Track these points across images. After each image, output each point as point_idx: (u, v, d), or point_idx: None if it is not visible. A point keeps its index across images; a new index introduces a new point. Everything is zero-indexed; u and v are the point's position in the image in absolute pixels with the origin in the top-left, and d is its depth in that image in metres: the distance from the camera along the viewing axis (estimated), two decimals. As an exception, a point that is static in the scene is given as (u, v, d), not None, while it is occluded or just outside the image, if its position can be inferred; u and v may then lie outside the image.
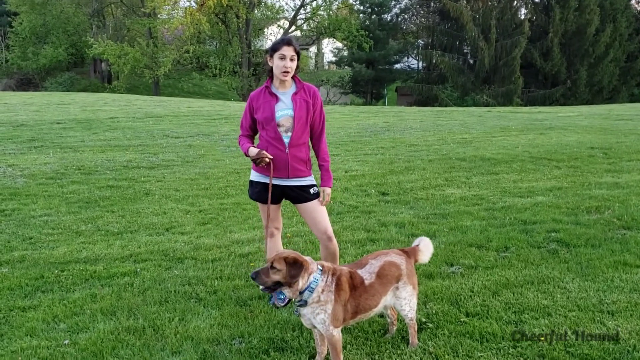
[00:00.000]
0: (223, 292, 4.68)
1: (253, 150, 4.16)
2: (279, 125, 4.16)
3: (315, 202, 4.32)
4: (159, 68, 39.38)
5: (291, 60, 4.10)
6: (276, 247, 4.49)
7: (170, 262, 5.44)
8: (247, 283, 4.88)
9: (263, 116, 4.18)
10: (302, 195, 4.29)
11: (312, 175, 4.39)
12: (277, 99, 4.18)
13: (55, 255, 5.60)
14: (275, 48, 4.12)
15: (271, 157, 4.13)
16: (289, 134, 4.18)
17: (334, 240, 4.35)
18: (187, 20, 37.35)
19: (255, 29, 44.10)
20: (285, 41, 4.13)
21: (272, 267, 3.29)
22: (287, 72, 4.10)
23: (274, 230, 4.50)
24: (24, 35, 43.07)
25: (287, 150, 4.19)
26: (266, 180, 4.25)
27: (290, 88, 4.24)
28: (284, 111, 4.17)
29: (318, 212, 4.32)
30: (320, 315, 3.35)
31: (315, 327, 3.44)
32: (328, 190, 4.32)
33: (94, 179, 9.10)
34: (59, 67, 45.05)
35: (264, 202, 4.29)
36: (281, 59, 4.08)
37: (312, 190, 4.31)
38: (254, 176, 4.36)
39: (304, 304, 3.34)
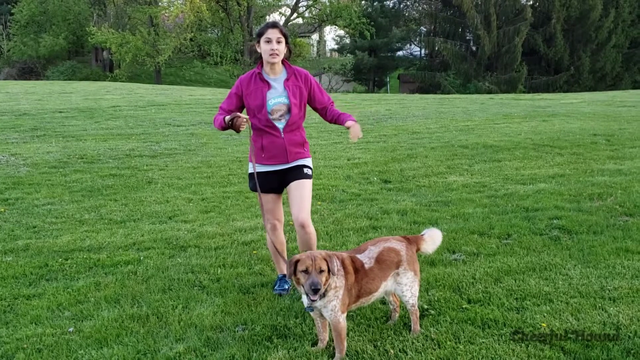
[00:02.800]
0: (226, 279, 4.70)
1: (228, 117, 4.06)
2: (270, 113, 4.12)
3: (306, 182, 4.26)
4: (159, 56, 39.28)
5: (278, 42, 4.06)
6: (279, 240, 4.42)
7: (174, 250, 5.46)
8: (249, 271, 4.90)
9: (254, 103, 4.13)
10: (297, 174, 4.25)
11: (310, 158, 4.40)
12: (268, 85, 4.14)
13: (59, 243, 5.63)
14: (260, 32, 4.10)
15: (246, 116, 4.09)
16: (283, 120, 4.16)
17: (309, 229, 4.21)
18: (187, 7, 37.18)
19: (257, 16, 43.88)
20: (269, 24, 4.10)
21: (320, 271, 3.26)
22: (276, 54, 4.06)
23: (276, 223, 4.38)
24: (24, 23, 42.93)
25: (282, 135, 4.17)
26: (263, 169, 4.21)
27: (282, 74, 4.20)
28: (277, 99, 4.13)
29: (305, 193, 4.23)
30: (333, 301, 3.36)
31: (322, 315, 3.46)
32: (350, 123, 4.12)
33: (96, 167, 9.11)
34: (61, 55, 44.97)
35: (265, 190, 4.22)
36: (267, 42, 4.05)
37: (305, 170, 4.28)
38: (251, 168, 4.27)
39: (324, 294, 3.34)
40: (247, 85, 4.18)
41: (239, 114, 4.06)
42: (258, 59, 4.20)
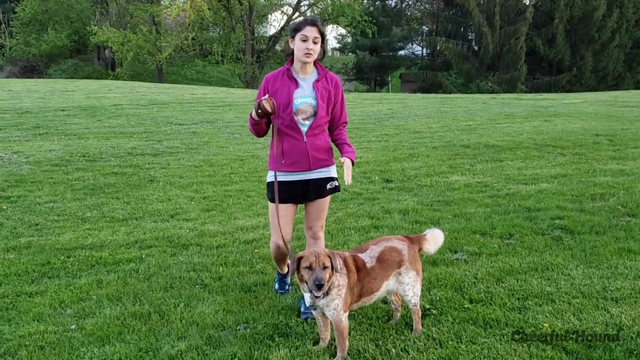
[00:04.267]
0: (228, 278, 4.71)
1: (253, 112, 3.82)
2: (296, 113, 3.86)
3: (326, 200, 4.04)
4: (160, 53, 39.32)
5: (314, 42, 3.79)
6: (282, 256, 4.18)
7: (175, 249, 5.46)
8: (251, 269, 4.90)
9: (280, 101, 3.85)
10: (319, 190, 3.99)
11: (335, 165, 4.11)
12: (296, 84, 3.88)
13: (61, 241, 5.63)
14: (297, 28, 3.82)
15: (271, 99, 3.78)
16: (307, 122, 3.89)
17: (320, 242, 4.07)
18: (188, 6, 37.18)
19: (259, 15, 43.88)
20: (308, 21, 3.81)
21: (324, 267, 3.26)
22: (310, 54, 3.79)
23: (280, 243, 4.01)
24: (26, 21, 42.99)
25: (305, 139, 3.88)
26: (283, 178, 3.93)
27: (312, 74, 3.95)
28: (303, 98, 3.87)
29: (324, 209, 4.05)
30: (336, 300, 3.36)
31: (324, 314, 3.46)
32: (344, 160, 3.89)
33: (98, 165, 9.12)
34: (63, 54, 45.02)
35: (286, 200, 3.95)
36: (303, 40, 3.78)
37: (329, 185, 4.01)
38: (270, 177, 4.03)
39: (327, 293, 3.34)
40: (274, 83, 3.91)
41: (267, 97, 3.79)
42: (288, 56, 3.97)
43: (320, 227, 4.07)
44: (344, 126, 4.14)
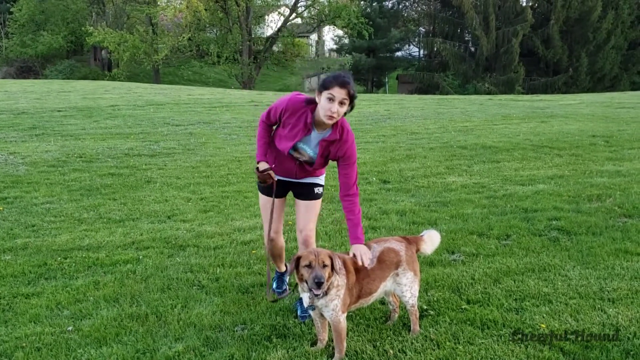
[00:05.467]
0: (225, 279, 4.70)
1: (263, 165, 3.78)
2: (293, 149, 3.78)
3: (316, 202, 4.00)
4: (156, 54, 39.29)
5: (341, 103, 3.49)
6: (278, 246, 4.21)
7: (172, 250, 5.45)
8: (248, 270, 4.89)
9: (286, 134, 3.73)
10: (307, 193, 3.97)
11: (324, 174, 4.07)
12: (309, 132, 3.70)
13: (58, 242, 5.62)
14: (326, 85, 3.51)
15: (276, 179, 3.82)
16: (303, 159, 3.83)
17: (311, 247, 3.94)
18: (184, 7, 37.15)
19: (256, 16, 43.84)
20: (339, 81, 3.47)
21: (324, 265, 3.26)
22: (333, 117, 3.51)
23: (274, 237, 4.10)
24: (23, 22, 42.89)
25: (296, 163, 3.86)
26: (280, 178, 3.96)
27: (327, 130, 3.70)
28: (306, 146, 3.75)
29: (314, 212, 4.01)
30: (335, 301, 3.36)
31: (322, 315, 3.46)
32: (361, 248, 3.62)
33: (95, 166, 9.10)
34: (59, 54, 44.89)
35: (266, 193, 3.99)
36: (329, 99, 3.47)
37: (316, 190, 3.98)
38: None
39: (326, 293, 3.33)
40: (291, 116, 3.69)
41: (271, 172, 3.76)
42: (312, 103, 3.67)
43: (310, 231, 3.97)
44: (356, 191, 3.80)
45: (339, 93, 3.46)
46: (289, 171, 3.93)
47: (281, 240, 4.24)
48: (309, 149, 3.77)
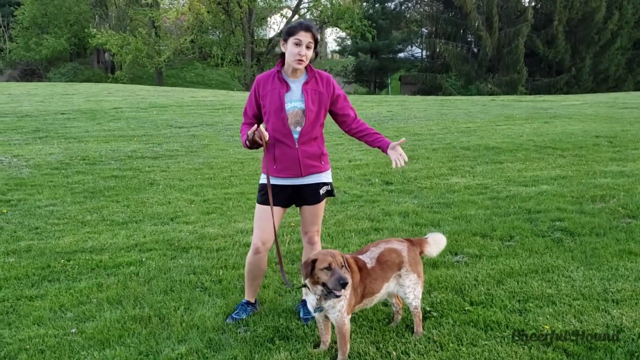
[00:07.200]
0: (228, 281, 4.70)
1: (250, 132, 3.72)
2: (287, 118, 3.74)
3: (321, 205, 3.96)
4: (158, 56, 39.38)
5: (307, 47, 3.64)
6: (261, 265, 4.00)
7: (175, 252, 5.46)
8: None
9: (270, 106, 3.76)
10: (312, 197, 3.90)
11: (329, 170, 4.01)
12: (287, 87, 3.76)
13: (61, 245, 5.63)
14: (290, 32, 3.66)
15: (267, 137, 3.72)
16: (299, 128, 3.76)
17: (316, 246, 4.02)
18: (186, 9, 37.22)
19: (258, 18, 43.90)
20: (303, 26, 3.65)
21: (341, 266, 3.24)
22: (302, 60, 3.66)
23: (260, 246, 3.91)
24: (26, 25, 43.03)
25: (296, 146, 3.77)
26: (275, 182, 3.85)
27: (302, 76, 3.81)
28: (293, 102, 3.75)
29: (318, 214, 3.98)
30: (341, 302, 3.34)
31: (326, 317, 3.45)
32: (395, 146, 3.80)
33: (98, 169, 9.12)
34: (62, 57, 45.06)
35: (274, 203, 3.80)
36: (296, 44, 3.63)
37: (321, 191, 3.91)
38: (263, 179, 3.93)
39: (334, 295, 3.30)
40: (264, 85, 3.81)
41: (260, 128, 3.69)
42: (279, 57, 3.83)
43: (315, 232, 4.03)
44: (357, 116, 3.98)
45: (304, 37, 3.63)
46: (292, 164, 3.80)
47: (265, 260, 4.00)
48: (297, 102, 3.77)
